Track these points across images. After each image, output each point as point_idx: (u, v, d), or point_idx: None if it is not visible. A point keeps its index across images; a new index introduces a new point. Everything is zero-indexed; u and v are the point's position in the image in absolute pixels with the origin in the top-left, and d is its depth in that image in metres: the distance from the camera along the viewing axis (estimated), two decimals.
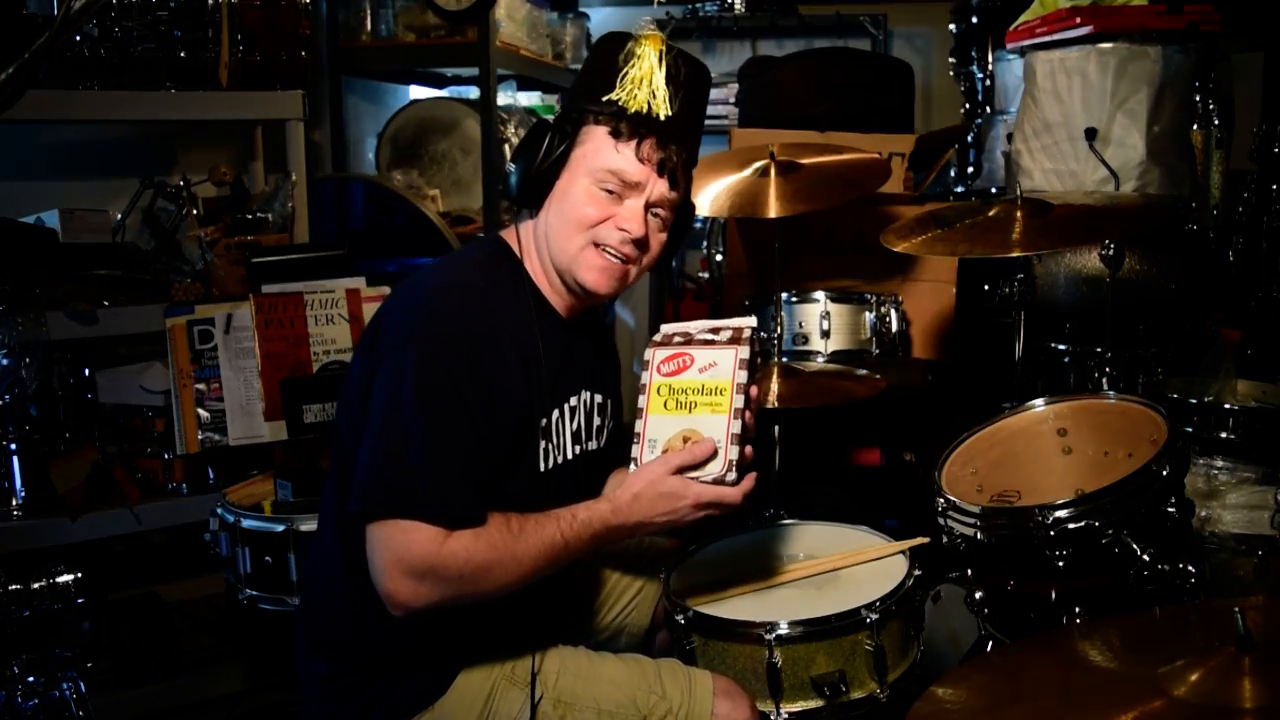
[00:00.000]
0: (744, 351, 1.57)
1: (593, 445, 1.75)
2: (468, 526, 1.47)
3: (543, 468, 1.64)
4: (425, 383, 1.48)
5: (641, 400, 1.60)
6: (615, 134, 1.59)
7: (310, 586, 1.76)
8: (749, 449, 1.57)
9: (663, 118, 1.59)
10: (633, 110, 1.58)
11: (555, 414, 1.65)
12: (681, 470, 1.54)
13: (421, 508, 1.45)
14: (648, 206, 1.62)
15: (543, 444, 1.63)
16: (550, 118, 1.66)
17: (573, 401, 1.69)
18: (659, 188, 1.61)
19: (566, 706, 1.59)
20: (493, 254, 1.68)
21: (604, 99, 1.59)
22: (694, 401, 1.56)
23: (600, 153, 1.59)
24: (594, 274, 1.62)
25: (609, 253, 1.61)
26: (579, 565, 1.77)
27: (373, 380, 1.52)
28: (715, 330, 1.63)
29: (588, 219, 1.60)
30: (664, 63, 1.60)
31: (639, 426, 1.59)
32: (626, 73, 1.59)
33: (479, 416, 1.50)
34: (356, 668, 1.60)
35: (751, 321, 1.63)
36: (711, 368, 1.57)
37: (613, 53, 1.61)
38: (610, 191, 1.60)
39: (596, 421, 1.76)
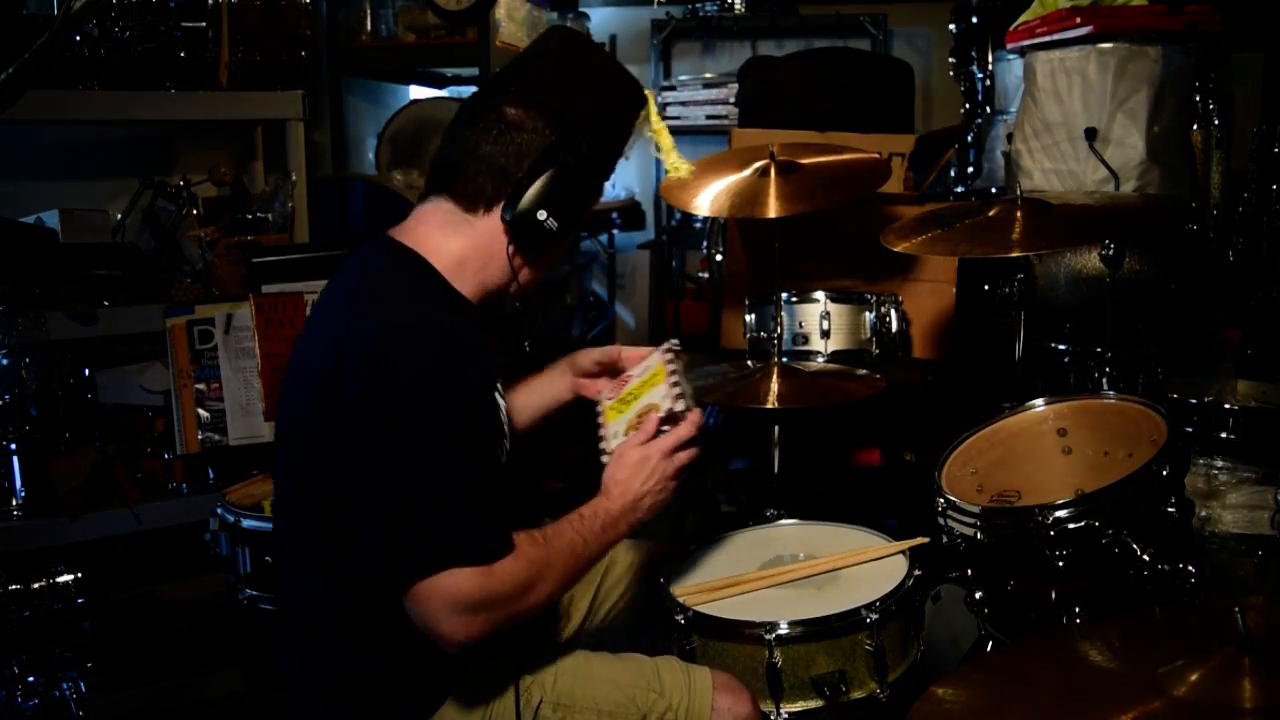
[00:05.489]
0: (665, 344, 1.78)
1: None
2: (505, 556, 1.46)
3: (503, 459, 1.63)
4: (419, 430, 1.44)
5: (600, 419, 1.77)
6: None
7: (290, 617, 1.67)
8: (696, 411, 1.65)
9: None
10: None
11: (501, 404, 1.65)
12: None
13: (460, 555, 1.42)
14: None
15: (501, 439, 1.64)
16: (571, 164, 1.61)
17: (500, 385, 1.69)
18: None
19: (566, 709, 1.59)
20: (405, 264, 1.60)
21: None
22: (635, 394, 1.74)
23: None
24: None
25: None
26: None
27: (348, 439, 1.46)
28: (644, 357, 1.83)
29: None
30: None
31: (602, 433, 1.73)
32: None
33: (474, 445, 1.49)
34: (343, 697, 1.57)
35: (672, 342, 1.81)
36: (644, 370, 1.77)
37: (628, 118, 1.67)
38: None
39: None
